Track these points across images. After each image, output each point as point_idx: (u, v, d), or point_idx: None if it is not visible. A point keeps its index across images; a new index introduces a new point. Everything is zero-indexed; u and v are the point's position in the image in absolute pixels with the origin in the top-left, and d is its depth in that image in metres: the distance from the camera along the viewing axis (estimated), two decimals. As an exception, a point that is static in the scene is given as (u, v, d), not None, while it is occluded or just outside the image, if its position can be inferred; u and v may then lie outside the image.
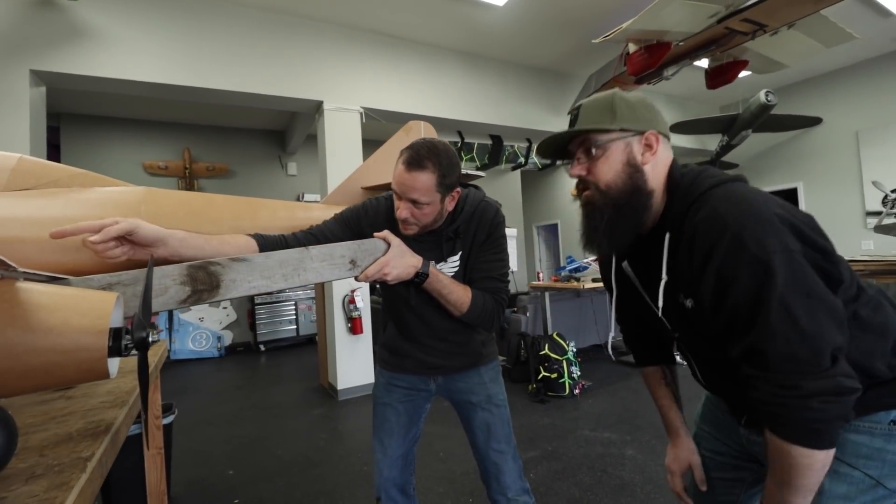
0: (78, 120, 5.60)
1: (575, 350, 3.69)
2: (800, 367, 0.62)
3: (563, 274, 4.53)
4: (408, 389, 1.29)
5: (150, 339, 0.69)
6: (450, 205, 1.14)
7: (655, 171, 0.81)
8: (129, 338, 0.67)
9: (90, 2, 3.02)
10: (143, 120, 5.95)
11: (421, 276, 1.09)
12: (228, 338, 6.08)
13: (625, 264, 0.92)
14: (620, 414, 3.06)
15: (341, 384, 3.73)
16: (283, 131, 6.75)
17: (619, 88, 0.87)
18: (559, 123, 5.09)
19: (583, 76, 5.16)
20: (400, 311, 1.24)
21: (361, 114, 4.02)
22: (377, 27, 4.04)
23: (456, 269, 1.20)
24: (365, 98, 4.05)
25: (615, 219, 0.80)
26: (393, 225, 1.16)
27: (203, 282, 0.87)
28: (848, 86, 5.49)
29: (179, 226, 1.12)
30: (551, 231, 9.92)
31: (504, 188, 8.63)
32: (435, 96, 4.41)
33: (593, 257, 4.59)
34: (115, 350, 0.65)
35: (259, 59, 3.59)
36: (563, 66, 5.10)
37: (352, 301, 3.77)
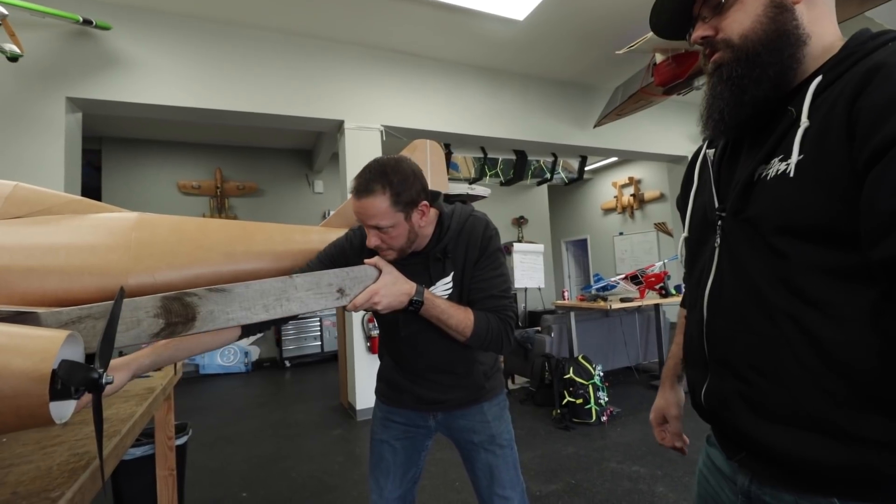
0: (117, 143, 5.90)
1: (602, 374, 3.51)
2: None
3: (590, 293, 4.35)
4: (406, 426, 1.21)
5: (105, 381, 0.64)
6: (421, 220, 1.05)
7: (813, 12, 0.61)
8: (83, 376, 0.63)
9: (123, 31, 3.16)
10: (177, 142, 6.22)
11: (415, 304, 1.02)
12: (256, 353, 6.17)
13: (710, 151, 0.76)
14: (652, 445, 2.85)
15: (360, 404, 3.67)
16: (311, 150, 6.90)
17: None
18: (584, 137, 4.97)
19: (608, 88, 5.03)
20: (395, 342, 1.17)
21: (382, 132, 4.04)
22: (397, 46, 4.07)
23: (449, 291, 1.11)
24: (385, 116, 4.06)
25: (748, 72, 0.62)
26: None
27: (178, 314, 0.83)
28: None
29: (171, 252, 1.10)
30: (580, 247, 9.68)
31: (531, 203, 8.50)
32: (456, 112, 4.39)
33: (622, 276, 4.42)
34: (63, 393, 0.61)
35: (283, 80, 3.68)
36: (588, 79, 4.99)
37: (371, 320, 3.73)
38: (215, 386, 5.28)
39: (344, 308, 0.97)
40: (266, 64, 3.63)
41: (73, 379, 0.60)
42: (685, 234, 0.81)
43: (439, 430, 1.23)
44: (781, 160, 0.59)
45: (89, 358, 0.67)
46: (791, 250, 0.58)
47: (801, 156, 0.57)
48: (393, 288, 0.99)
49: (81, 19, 2.88)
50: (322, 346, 6.34)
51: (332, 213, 6.78)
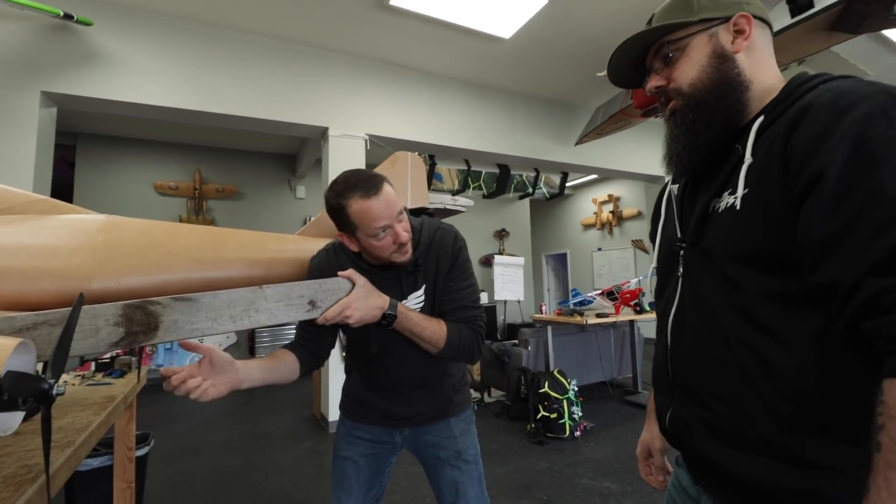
0: (93, 139, 5.74)
1: (577, 389, 3.53)
2: None
3: (567, 307, 4.39)
4: (371, 442, 1.19)
5: (56, 392, 0.62)
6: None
7: (752, 60, 0.67)
8: (32, 387, 0.60)
9: (104, 27, 3.10)
10: (156, 141, 6.08)
11: (389, 318, 1.01)
12: (227, 360, 6.00)
13: (674, 187, 0.80)
14: (623, 461, 2.87)
15: (333, 415, 3.61)
16: (294, 155, 6.84)
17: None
18: (566, 154, 5.06)
19: (590, 108, 5.15)
20: (364, 357, 1.15)
21: (366, 141, 4.03)
22: (384, 56, 4.09)
23: (421, 304, 1.11)
24: (370, 125, 4.06)
25: (699, 117, 0.67)
26: (358, 264, 1.10)
27: (140, 323, 0.81)
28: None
29: (138, 256, 1.07)
30: (560, 261, 9.79)
31: (512, 217, 8.58)
32: (441, 125, 4.42)
33: (598, 291, 4.48)
34: (9, 405, 0.58)
35: (268, 85, 3.65)
36: (571, 98, 5.09)
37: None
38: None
39: (315, 321, 0.96)
40: (251, 67, 3.60)
41: (20, 390, 0.57)
42: (654, 264, 0.84)
43: (405, 446, 1.21)
44: (730, 194, 0.63)
45: (44, 366, 0.64)
46: (743, 279, 0.61)
47: (747, 190, 0.61)
48: (366, 301, 0.98)
49: (62, 13, 2.81)
50: (297, 354, 6.22)
51: (312, 218, 6.68)
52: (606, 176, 7.41)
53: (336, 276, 1.01)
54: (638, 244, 7.66)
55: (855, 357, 0.52)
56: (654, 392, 0.83)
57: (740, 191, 0.61)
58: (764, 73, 0.68)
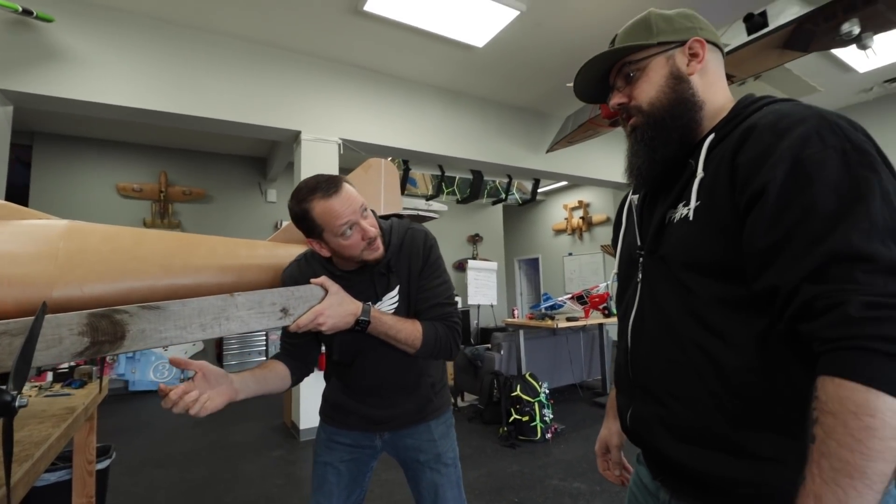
0: (52, 139, 5.49)
1: (548, 392, 3.60)
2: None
3: (539, 311, 4.47)
4: (351, 447, 1.19)
5: (19, 404, 0.60)
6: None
7: (705, 81, 0.73)
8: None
9: (66, 24, 2.99)
10: (119, 141, 5.87)
11: (362, 324, 1.02)
12: (194, 368, 5.81)
13: (634, 197, 0.85)
14: (592, 461, 2.91)
15: (304, 423, 3.55)
16: (265, 158, 6.72)
17: (653, 9, 0.77)
18: (538, 161, 5.16)
19: (560, 117, 5.28)
20: (342, 362, 1.15)
21: (339, 145, 4.01)
22: (358, 61, 4.08)
23: (396, 305, 1.12)
24: (344, 129, 4.05)
25: (657, 135, 0.72)
26: (331, 271, 1.10)
27: (105, 332, 0.79)
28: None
29: (103, 263, 1.04)
30: (532, 265, 9.94)
31: (486, 222, 8.66)
32: (415, 131, 4.44)
33: (569, 295, 4.58)
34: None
35: (238, 87, 3.59)
36: (542, 107, 5.21)
37: (320, 335, 3.65)
38: (146, 404, 4.93)
39: (287, 328, 0.96)
40: (222, 69, 3.54)
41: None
42: (615, 270, 0.88)
43: (385, 450, 1.22)
44: (684, 205, 0.68)
45: (3, 378, 0.63)
46: (695, 285, 0.65)
47: (698, 202, 0.66)
48: (339, 308, 0.99)
49: (21, 9, 2.69)
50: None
51: (283, 222, 6.59)
52: (576, 183, 7.58)
53: (309, 283, 1.01)
54: (607, 249, 7.85)
55: (794, 356, 0.57)
56: (617, 391, 0.87)
57: (693, 203, 0.66)
58: (715, 93, 0.74)
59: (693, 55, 0.73)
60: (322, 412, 1.26)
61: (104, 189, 5.74)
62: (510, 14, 3.37)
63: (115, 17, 3.18)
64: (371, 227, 1.03)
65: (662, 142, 0.72)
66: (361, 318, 1.01)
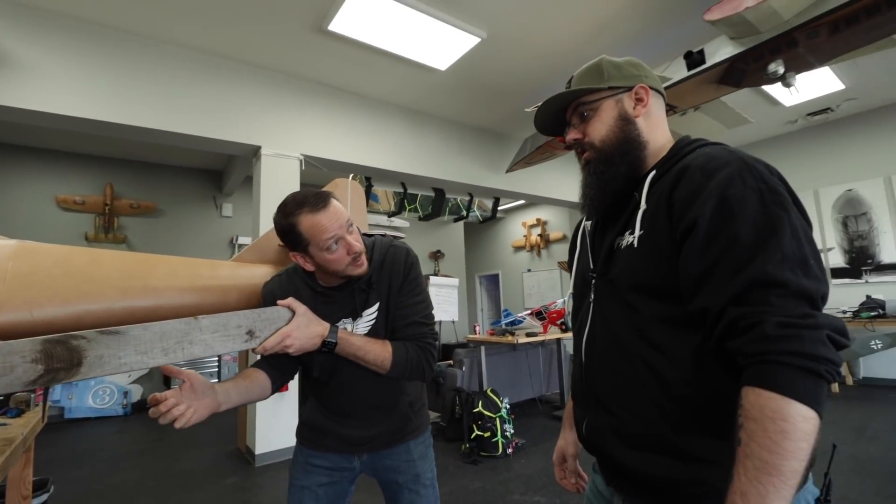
0: (-18, 147, 5.11)
1: (508, 406, 3.65)
2: (808, 298, 0.57)
3: (500, 327, 4.55)
4: (329, 470, 1.17)
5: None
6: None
7: (649, 123, 0.82)
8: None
9: (6, 28, 2.83)
10: (60, 151, 5.54)
11: (329, 346, 1.03)
12: (137, 393, 5.46)
13: (587, 223, 0.92)
14: (552, 474, 2.97)
15: (260, 448, 3.42)
16: (220, 171, 6.52)
17: (605, 57, 0.87)
18: (497, 181, 5.31)
19: (519, 138, 5.47)
20: (319, 382, 1.15)
21: (301, 161, 3.98)
22: (321, 78, 4.09)
23: (373, 321, 1.12)
24: (306, 146, 4.02)
25: (607, 170, 0.81)
26: (312, 287, 1.11)
27: (61, 359, 0.77)
28: (749, 161, 6.21)
29: (55, 286, 1.00)
30: (493, 281, 10.09)
31: (447, 238, 8.76)
32: (378, 148, 4.47)
33: (528, 311, 4.70)
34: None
35: (195, 99, 3.50)
36: (501, 129, 5.39)
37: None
38: (85, 432, 4.58)
39: (253, 350, 0.96)
40: (178, 81, 3.44)
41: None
42: (571, 290, 0.95)
43: (364, 471, 1.21)
44: (630, 234, 0.76)
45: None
46: (640, 305, 0.73)
47: (642, 231, 0.74)
48: (306, 330, 0.99)
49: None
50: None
51: (240, 238, 6.39)
52: (534, 201, 7.84)
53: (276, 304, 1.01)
54: (563, 265, 8.12)
55: (723, 369, 0.65)
56: (573, 403, 0.93)
57: (637, 232, 0.74)
58: (658, 134, 0.83)
59: (639, 100, 0.82)
60: (299, 434, 1.24)
61: (42, 201, 5.38)
62: (472, 41, 3.50)
63: (62, 23, 3.05)
64: (356, 242, 1.05)
65: (612, 176, 0.81)
66: (328, 339, 1.02)
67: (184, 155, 5.89)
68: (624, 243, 0.77)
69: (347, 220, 1.04)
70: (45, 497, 1.87)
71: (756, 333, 0.57)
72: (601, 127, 0.82)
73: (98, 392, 5.09)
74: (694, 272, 0.64)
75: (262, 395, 1.08)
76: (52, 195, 5.43)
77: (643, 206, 0.75)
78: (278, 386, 1.12)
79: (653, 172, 0.77)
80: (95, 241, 5.58)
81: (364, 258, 1.08)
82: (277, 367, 1.12)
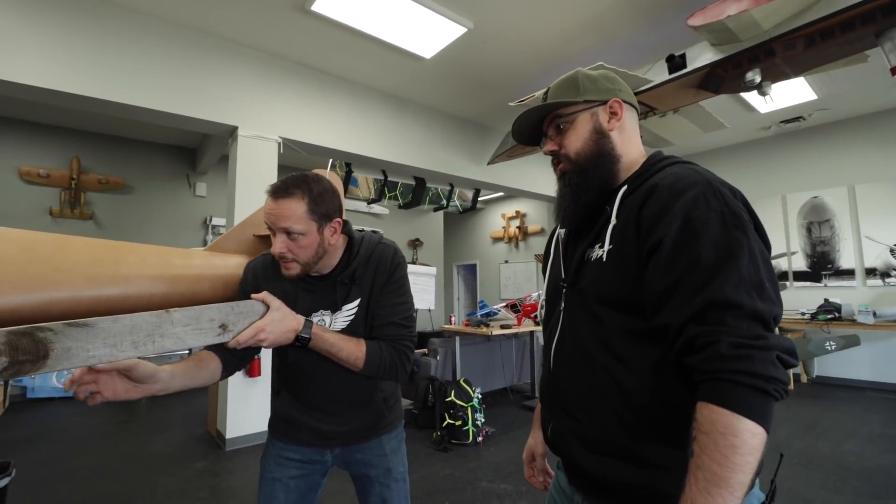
0: (-63, 113, 4.83)
1: (480, 396, 3.72)
2: (761, 320, 0.61)
3: (475, 318, 4.60)
4: (301, 462, 1.18)
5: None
6: (332, 237, 1.08)
7: (622, 137, 0.84)
8: None
9: (-36, -10, 2.67)
10: (23, 120, 5.28)
11: (302, 340, 1.03)
12: (104, 373, 5.32)
13: (561, 231, 0.94)
14: (519, 463, 3.06)
15: (231, 432, 3.40)
16: (194, 149, 6.33)
17: (580, 69, 0.89)
18: (478, 172, 5.32)
19: (501, 131, 5.49)
20: (293, 375, 1.15)
21: (279, 143, 3.90)
22: (303, 59, 4.00)
23: (352, 317, 1.12)
24: (285, 128, 3.94)
25: (581, 182, 0.82)
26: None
27: (27, 351, 0.75)
28: (720, 164, 6.37)
29: (18, 273, 0.98)
30: (470, 271, 10.16)
31: (426, 227, 8.75)
32: (359, 134, 4.42)
33: (503, 303, 4.76)
34: None
35: (169, 75, 3.38)
36: (484, 120, 5.38)
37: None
38: (48, 413, 4.46)
39: (226, 345, 0.95)
40: (153, 55, 3.31)
41: None
42: (543, 296, 0.97)
43: (335, 464, 1.22)
44: (599, 247, 0.79)
45: None
46: (605, 316, 0.76)
47: (611, 245, 0.76)
48: (280, 324, 0.99)
49: None
50: (190, 365, 5.72)
51: (214, 219, 6.23)
52: (514, 194, 7.89)
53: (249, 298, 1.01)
54: (540, 258, 8.22)
55: (681, 382, 0.68)
56: (541, 407, 0.96)
57: (606, 245, 0.77)
58: (631, 148, 0.86)
59: (613, 113, 0.84)
60: (271, 426, 1.23)
61: (3, 172, 5.13)
62: (458, 30, 3.47)
63: (27, -12, 2.89)
64: (281, 245, 1.02)
65: (585, 188, 0.83)
66: (302, 334, 1.02)
67: (157, 130, 5.69)
68: (594, 256, 0.79)
69: (291, 225, 1.00)
70: (6, 481, 1.82)
71: (711, 352, 0.60)
72: (576, 140, 0.84)
73: (63, 371, 4.94)
74: (658, 289, 0.67)
75: (209, 380, 1.05)
76: (14, 166, 5.18)
77: (613, 220, 0.77)
78: (230, 373, 1.09)
79: (624, 187, 0.80)
80: (60, 216, 5.37)
81: (295, 266, 1.05)
82: (235, 353, 1.06)
